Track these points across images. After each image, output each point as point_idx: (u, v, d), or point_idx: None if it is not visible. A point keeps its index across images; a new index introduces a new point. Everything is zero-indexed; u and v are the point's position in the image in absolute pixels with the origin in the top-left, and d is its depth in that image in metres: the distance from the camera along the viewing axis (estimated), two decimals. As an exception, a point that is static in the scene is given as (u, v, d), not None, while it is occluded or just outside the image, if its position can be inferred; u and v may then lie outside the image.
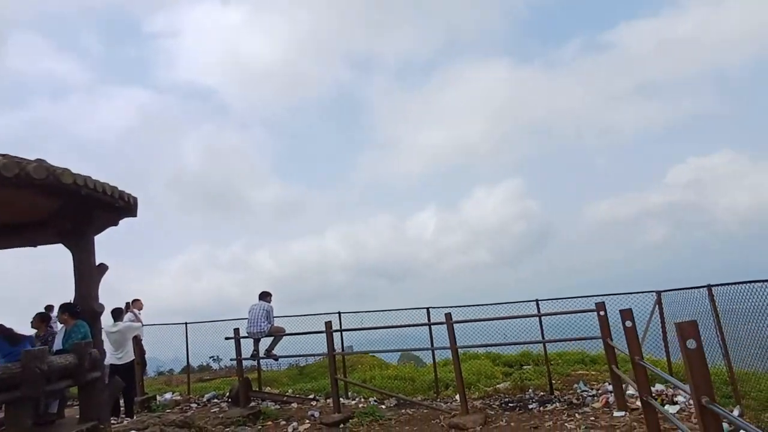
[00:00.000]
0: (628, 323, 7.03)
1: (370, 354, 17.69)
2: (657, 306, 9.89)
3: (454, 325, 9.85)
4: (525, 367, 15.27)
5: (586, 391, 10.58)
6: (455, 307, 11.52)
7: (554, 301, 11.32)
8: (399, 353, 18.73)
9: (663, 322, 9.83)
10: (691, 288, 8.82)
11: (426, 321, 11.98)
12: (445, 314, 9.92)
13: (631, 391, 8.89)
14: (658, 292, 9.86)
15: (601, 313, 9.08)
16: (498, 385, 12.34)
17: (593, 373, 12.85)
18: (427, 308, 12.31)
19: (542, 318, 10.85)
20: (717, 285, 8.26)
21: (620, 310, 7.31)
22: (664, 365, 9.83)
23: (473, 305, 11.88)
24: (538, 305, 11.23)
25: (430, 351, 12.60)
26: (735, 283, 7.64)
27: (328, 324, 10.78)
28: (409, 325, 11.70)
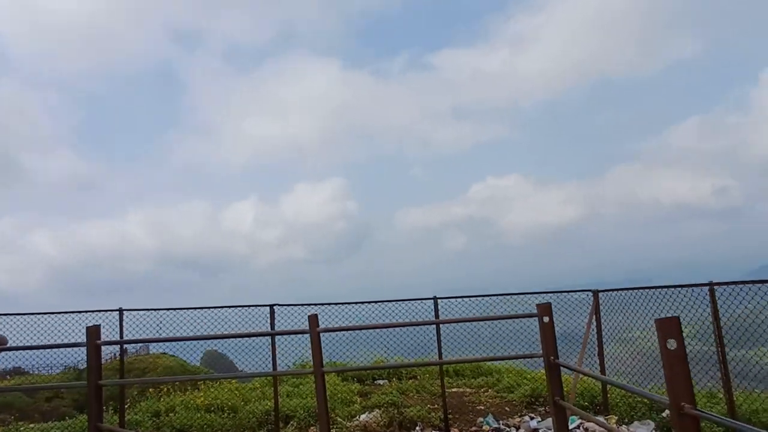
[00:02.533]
0: (545, 319, 5.85)
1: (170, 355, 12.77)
2: (594, 309, 7.29)
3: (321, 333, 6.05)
4: (380, 381, 12.04)
5: (499, 430, 7.57)
6: (314, 305, 7.71)
7: (453, 300, 8.16)
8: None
9: (599, 328, 7.28)
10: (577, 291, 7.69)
11: (270, 326, 7.86)
12: (309, 317, 6.03)
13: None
14: (595, 292, 7.27)
15: (545, 319, 6.16)
16: (361, 417, 8.74)
17: (493, 393, 10.06)
18: (271, 305, 8.19)
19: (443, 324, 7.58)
20: (603, 290, 7.49)
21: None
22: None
23: (340, 303, 8.16)
24: (436, 304, 7.93)
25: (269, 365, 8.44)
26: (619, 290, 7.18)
27: (92, 330, 5.99)
28: (246, 335, 7.48)
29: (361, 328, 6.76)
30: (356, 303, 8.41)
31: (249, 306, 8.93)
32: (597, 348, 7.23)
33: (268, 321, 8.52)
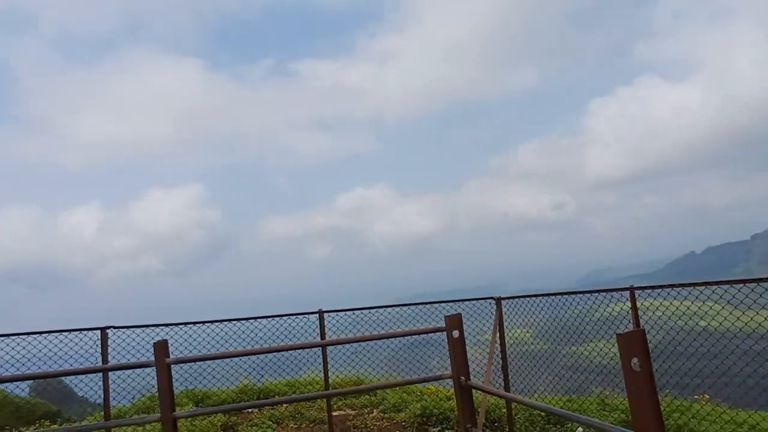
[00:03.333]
0: (455, 333, 5.00)
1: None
2: (498, 319, 6.60)
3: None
4: (249, 409, 10.44)
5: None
6: (163, 325, 5.98)
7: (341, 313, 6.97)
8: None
9: (503, 340, 6.59)
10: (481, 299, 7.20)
11: (102, 357, 5.93)
12: (156, 345, 4.41)
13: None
14: (498, 299, 6.60)
15: (455, 333, 5.25)
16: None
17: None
18: (102, 328, 6.23)
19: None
20: (506, 297, 6.96)
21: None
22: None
23: (196, 322, 6.49)
24: (322, 320, 6.65)
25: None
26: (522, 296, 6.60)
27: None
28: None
29: (222, 357, 5.21)
30: (218, 321, 6.78)
31: (77, 330, 6.83)
32: (501, 361, 6.58)
33: (103, 347, 6.53)
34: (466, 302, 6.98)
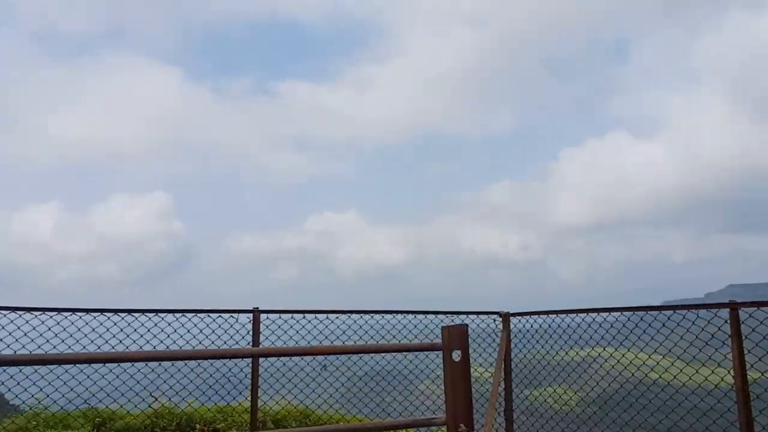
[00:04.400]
0: (456, 354, 3.18)
1: None
2: (505, 341, 4.81)
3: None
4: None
5: None
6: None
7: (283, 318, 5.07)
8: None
9: (508, 370, 4.81)
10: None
11: None
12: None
13: None
14: (505, 315, 4.81)
15: (456, 354, 3.38)
16: None
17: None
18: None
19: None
20: (517, 314, 5.25)
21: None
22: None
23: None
24: (256, 322, 4.72)
25: None
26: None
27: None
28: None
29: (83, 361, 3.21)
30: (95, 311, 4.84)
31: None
32: (504, 401, 4.77)
33: None
34: (459, 315, 5.19)
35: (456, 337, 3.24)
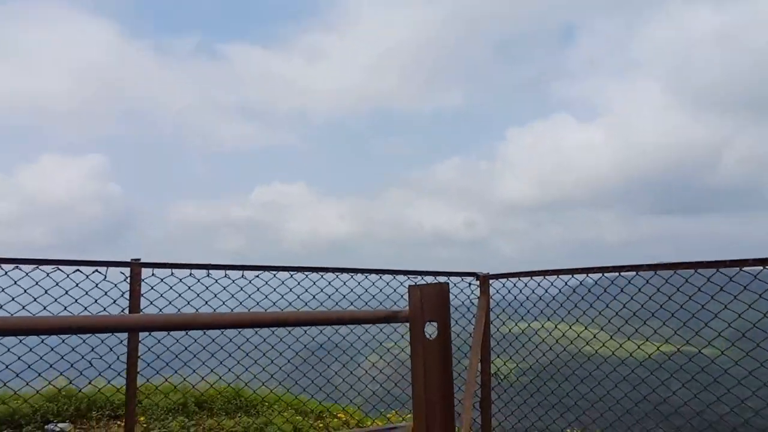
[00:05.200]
0: (432, 328, 1.81)
1: None
2: (482, 306, 3.70)
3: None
4: (58, 427, 6.90)
5: None
6: None
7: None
8: None
9: (486, 339, 3.74)
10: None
11: None
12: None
13: None
14: (484, 276, 3.70)
15: (432, 328, 2.16)
16: None
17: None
18: None
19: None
20: (496, 276, 4.33)
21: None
22: None
23: None
24: (135, 281, 3.37)
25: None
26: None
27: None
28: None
29: None
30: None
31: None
32: (481, 387, 3.73)
33: None
34: (424, 277, 4.08)
35: (431, 301, 2.07)
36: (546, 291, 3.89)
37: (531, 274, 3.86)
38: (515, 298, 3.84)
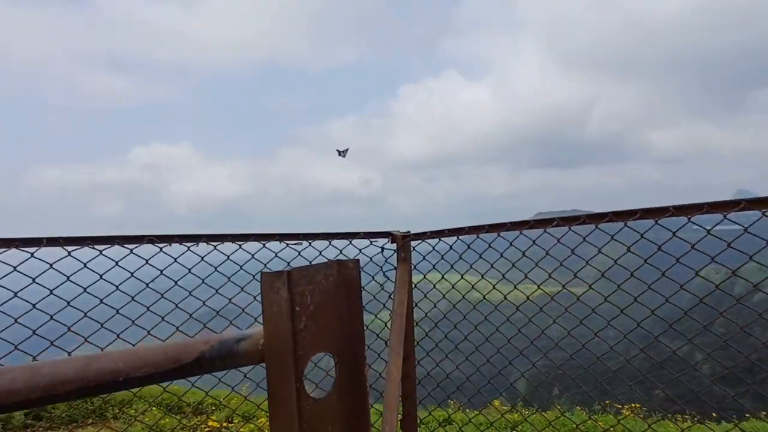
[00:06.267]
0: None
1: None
2: (403, 274, 2.78)
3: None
4: None
5: None
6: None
7: None
8: None
9: (410, 314, 2.89)
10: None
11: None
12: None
13: None
14: (404, 236, 2.73)
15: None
16: None
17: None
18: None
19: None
20: (412, 236, 3.83)
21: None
22: None
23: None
24: None
25: None
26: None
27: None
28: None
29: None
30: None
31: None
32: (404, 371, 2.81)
33: None
34: (325, 240, 3.08)
35: (317, 313, 0.99)
36: (451, 247, 3.72)
37: (449, 233, 3.49)
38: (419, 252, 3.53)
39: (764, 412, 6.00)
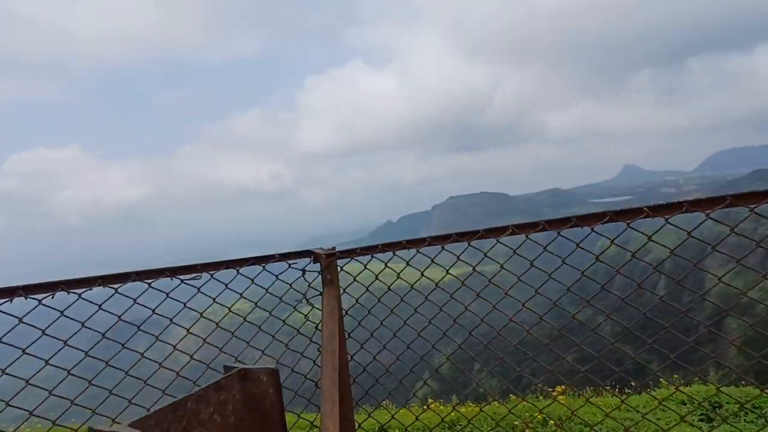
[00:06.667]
0: None
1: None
2: (330, 298, 2.67)
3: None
4: None
5: None
6: None
7: None
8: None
9: (342, 339, 2.82)
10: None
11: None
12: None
13: None
14: (328, 254, 2.78)
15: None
16: None
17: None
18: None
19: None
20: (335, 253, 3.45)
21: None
22: None
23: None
24: None
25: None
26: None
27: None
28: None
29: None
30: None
31: None
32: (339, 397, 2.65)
33: None
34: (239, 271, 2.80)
35: None
36: (386, 264, 3.48)
37: (384, 248, 3.18)
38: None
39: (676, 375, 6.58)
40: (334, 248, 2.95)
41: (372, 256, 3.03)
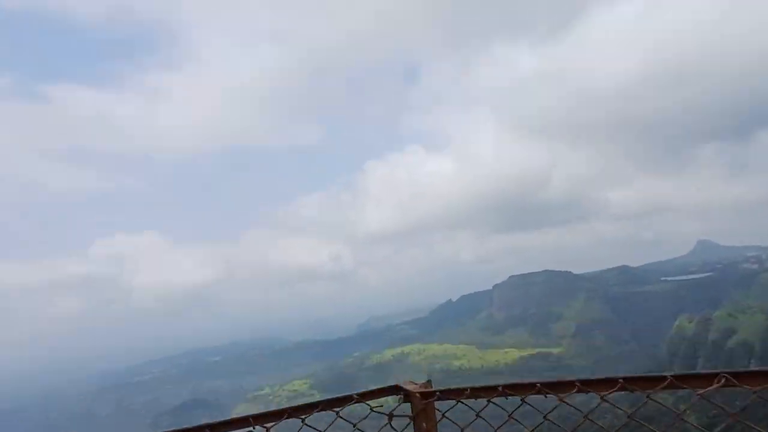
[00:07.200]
0: None
1: None
2: None
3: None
4: None
5: None
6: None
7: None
8: None
9: None
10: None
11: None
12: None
13: None
14: (425, 393, 2.23)
15: None
16: None
17: None
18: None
19: None
20: None
21: None
22: None
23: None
24: None
25: None
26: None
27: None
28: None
29: None
30: None
31: None
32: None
33: None
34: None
35: None
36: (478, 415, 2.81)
37: (473, 395, 2.50)
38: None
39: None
40: (429, 383, 2.09)
41: (461, 401, 2.16)
